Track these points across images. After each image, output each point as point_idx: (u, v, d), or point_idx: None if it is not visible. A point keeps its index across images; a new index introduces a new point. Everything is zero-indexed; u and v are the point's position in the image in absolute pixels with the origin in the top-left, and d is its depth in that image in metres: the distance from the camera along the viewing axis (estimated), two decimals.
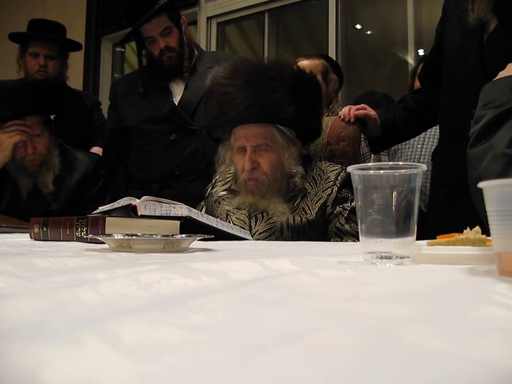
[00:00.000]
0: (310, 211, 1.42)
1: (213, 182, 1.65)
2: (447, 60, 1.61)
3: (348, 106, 1.73)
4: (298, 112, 1.44)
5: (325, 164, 1.54)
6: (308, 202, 1.44)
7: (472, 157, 1.00)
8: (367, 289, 0.41)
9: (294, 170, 1.47)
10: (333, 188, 1.44)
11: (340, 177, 1.46)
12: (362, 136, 1.90)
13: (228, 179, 1.59)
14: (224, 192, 1.56)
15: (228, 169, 1.59)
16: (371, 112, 1.70)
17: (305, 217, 1.41)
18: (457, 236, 0.61)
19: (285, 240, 1.39)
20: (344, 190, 1.45)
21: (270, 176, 1.44)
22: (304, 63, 2.37)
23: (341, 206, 1.43)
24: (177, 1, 2.14)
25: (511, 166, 0.89)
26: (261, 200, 1.45)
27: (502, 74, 1.05)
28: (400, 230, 0.58)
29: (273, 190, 1.45)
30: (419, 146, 2.40)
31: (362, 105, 1.74)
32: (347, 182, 1.43)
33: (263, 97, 1.41)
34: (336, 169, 1.49)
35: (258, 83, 1.42)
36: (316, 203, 1.43)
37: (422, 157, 2.32)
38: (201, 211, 1.52)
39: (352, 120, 1.67)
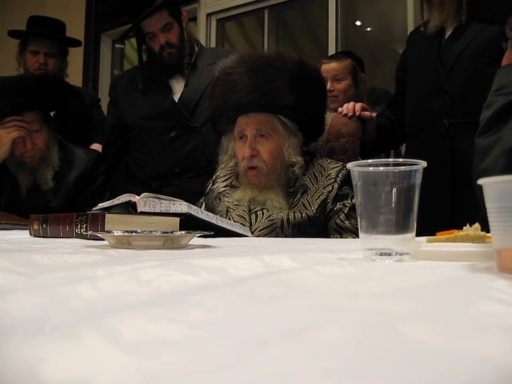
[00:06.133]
0: (310, 207, 1.43)
1: (214, 178, 1.64)
2: (410, 70, 1.76)
3: (351, 102, 1.74)
4: (298, 102, 1.46)
5: (326, 160, 1.54)
6: (308, 198, 1.44)
7: (480, 146, 0.98)
8: (366, 286, 0.41)
9: (294, 160, 1.47)
10: (333, 185, 1.44)
11: (340, 174, 1.46)
12: None
13: (229, 175, 1.59)
14: (225, 188, 1.56)
15: (229, 162, 1.60)
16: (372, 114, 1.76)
17: (306, 213, 1.41)
18: (456, 233, 0.61)
19: (286, 236, 1.39)
20: (344, 187, 1.45)
21: (269, 165, 1.45)
22: (332, 66, 2.30)
23: (341, 202, 1.43)
24: None
25: None
26: (259, 193, 1.45)
27: None
28: (400, 226, 0.58)
29: (272, 180, 1.45)
30: None
31: (363, 104, 1.76)
32: (348, 179, 1.43)
33: (264, 84, 1.43)
34: (337, 166, 1.49)
35: (261, 71, 1.45)
36: (317, 199, 1.43)
37: None
38: (200, 207, 1.51)
39: (358, 114, 1.68)
